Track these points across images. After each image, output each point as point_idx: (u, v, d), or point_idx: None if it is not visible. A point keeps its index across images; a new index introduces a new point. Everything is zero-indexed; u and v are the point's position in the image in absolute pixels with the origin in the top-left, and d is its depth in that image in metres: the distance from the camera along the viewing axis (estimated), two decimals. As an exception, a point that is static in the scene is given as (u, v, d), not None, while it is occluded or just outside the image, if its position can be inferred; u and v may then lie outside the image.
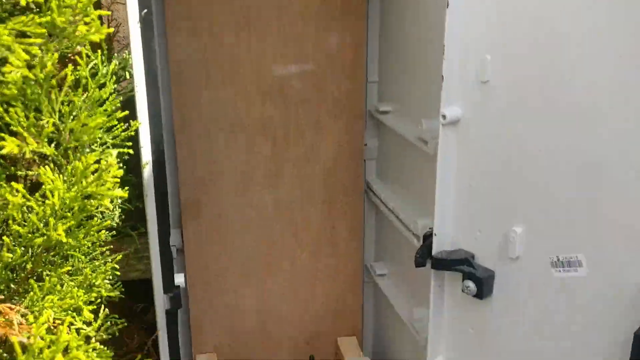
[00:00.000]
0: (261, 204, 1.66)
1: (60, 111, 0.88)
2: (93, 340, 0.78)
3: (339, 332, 1.82)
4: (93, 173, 0.83)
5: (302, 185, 1.69)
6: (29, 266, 0.85)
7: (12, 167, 0.88)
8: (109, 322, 0.85)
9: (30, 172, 0.91)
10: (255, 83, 1.58)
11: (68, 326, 0.77)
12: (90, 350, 0.75)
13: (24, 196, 0.82)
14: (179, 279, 1.20)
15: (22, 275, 0.85)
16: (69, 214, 0.82)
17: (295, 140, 1.65)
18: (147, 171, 1.11)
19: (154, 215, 1.13)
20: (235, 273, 1.69)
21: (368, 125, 1.72)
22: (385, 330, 1.80)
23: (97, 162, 0.82)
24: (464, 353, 1.39)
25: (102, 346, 0.80)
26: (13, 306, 0.72)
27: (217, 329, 1.71)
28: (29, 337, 0.71)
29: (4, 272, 0.82)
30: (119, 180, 0.83)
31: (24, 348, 0.71)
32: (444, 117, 1.26)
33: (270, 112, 1.61)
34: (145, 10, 1.04)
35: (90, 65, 0.94)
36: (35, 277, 0.86)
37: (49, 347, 0.72)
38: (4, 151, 0.78)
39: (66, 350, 0.74)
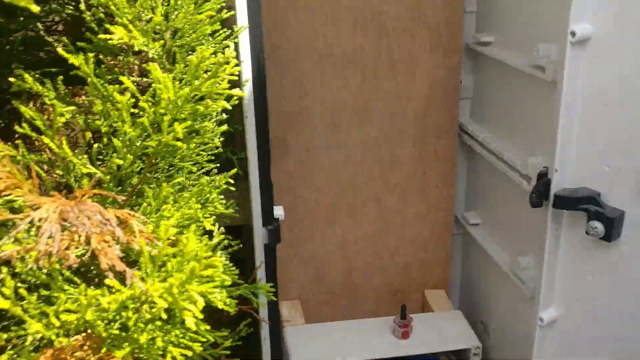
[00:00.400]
0: (349, 143, 1.56)
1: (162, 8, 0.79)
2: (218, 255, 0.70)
3: (426, 284, 1.71)
4: (206, 72, 0.74)
5: (392, 124, 1.57)
6: (134, 180, 0.78)
7: (116, 69, 0.79)
8: (226, 241, 0.76)
9: (135, 78, 0.82)
10: (346, 8, 1.46)
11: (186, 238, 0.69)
12: (217, 264, 0.66)
13: (133, 95, 0.73)
14: (278, 211, 1.12)
15: (130, 186, 0.78)
16: (180, 116, 0.73)
17: (386, 75, 1.53)
18: (247, 89, 1.01)
19: (254, 139, 1.04)
20: (322, 217, 1.60)
21: (464, 60, 1.58)
22: (478, 283, 1.69)
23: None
24: (579, 304, 1.26)
25: (228, 262, 0.71)
26: (133, 212, 0.64)
27: (301, 276, 1.63)
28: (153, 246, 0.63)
29: (112, 182, 0.74)
30: (237, 78, 0.74)
31: (150, 261, 0.63)
32: (572, 34, 1.11)
33: (360, 42, 1.49)
34: None
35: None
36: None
37: (174, 256, 0.64)
38: (114, 39, 0.70)
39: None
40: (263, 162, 1.07)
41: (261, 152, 1.06)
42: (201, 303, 0.63)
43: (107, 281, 0.61)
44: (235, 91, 0.73)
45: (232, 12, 0.85)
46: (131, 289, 0.63)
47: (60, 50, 0.68)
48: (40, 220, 0.59)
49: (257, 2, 0.98)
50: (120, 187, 0.78)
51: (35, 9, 0.56)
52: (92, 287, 0.68)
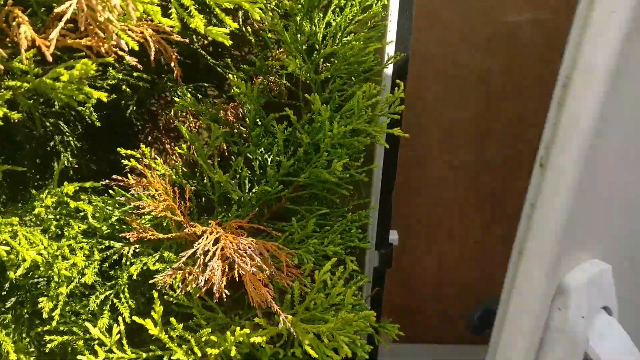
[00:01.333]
0: (464, 164, 1.51)
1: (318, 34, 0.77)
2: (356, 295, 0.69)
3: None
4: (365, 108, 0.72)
5: (513, 149, 1.51)
6: (275, 204, 0.77)
7: (272, 95, 0.79)
8: (357, 277, 0.75)
9: (285, 100, 0.81)
10: (478, 27, 1.40)
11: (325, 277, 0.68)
12: (357, 307, 0.65)
13: (290, 124, 0.72)
14: (393, 235, 1.09)
15: (267, 211, 0.77)
16: (337, 150, 0.71)
17: (512, 97, 1.46)
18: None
19: (381, 161, 1.02)
20: (421, 237, 1.57)
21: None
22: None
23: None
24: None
25: (365, 303, 0.70)
26: (282, 246, 0.63)
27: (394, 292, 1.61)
28: (303, 284, 0.63)
29: (256, 206, 0.74)
30: (398, 116, 0.71)
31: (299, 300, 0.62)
32: None
33: (489, 63, 1.43)
34: None
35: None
36: (277, 218, 0.78)
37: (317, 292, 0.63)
38: (289, 70, 0.69)
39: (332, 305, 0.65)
40: (386, 185, 1.04)
41: (385, 174, 1.03)
42: (346, 351, 0.62)
43: (257, 320, 0.61)
44: (397, 130, 0.71)
45: (392, 41, 0.82)
46: (276, 328, 0.63)
47: (230, 76, 0.68)
48: (202, 251, 0.59)
49: (408, 29, 0.95)
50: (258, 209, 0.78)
51: (228, 42, 0.56)
52: (232, 316, 0.68)
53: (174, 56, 0.57)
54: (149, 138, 0.86)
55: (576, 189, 0.66)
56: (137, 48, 0.54)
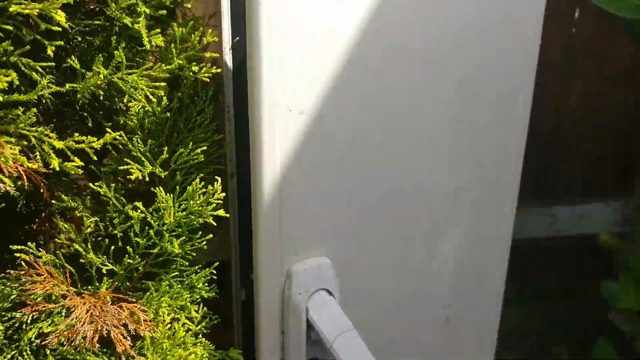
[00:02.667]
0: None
1: (167, 136, 1.05)
2: (199, 335, 0.97)
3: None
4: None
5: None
6: (141, 269, 1.04)
7: (130, 185, 1.06)
8: (207, 318, 1.04)
9: (143, 188, 1.09)
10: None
11: (178, 323, 0.96)
12: (198, 344, 0.93)
13: (142, 212, 1.00)
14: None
15: (136, 275, 1.04)
16: (178, 230, 1.00)
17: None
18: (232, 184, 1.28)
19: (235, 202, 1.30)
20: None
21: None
22: None
23: (203, 183, 1.00)
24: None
25: (205, 340, 0.98)
26: (137, 305, 0.91)
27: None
28: (154, 332, 0.90)
29: (124, 274, 1.01)
30: (221, 201, 1.00)
31: (151, 342, 0.90)
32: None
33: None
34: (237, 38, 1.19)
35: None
36: (145, 278, 1.05)
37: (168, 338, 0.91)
38: (133, 176, 0.96)
39: (180, 345, 0.93)
40: (243, 234, 1.33)
41: (240, 224, 1.32)
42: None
43: (122, 361, 0.88)
44: (220, 212, 1.00)
45: (221, 135, 1.11)
46: (138, 366, 0.90)
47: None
48: (77, 319, 0.86)
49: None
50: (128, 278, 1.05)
51: (80, 172, 0.82)
52: None
53: (43, 184, 0.84)
54: (42, 224, 1.11)
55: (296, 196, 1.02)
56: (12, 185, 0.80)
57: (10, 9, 0.74)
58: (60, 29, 0.79)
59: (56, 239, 1.01)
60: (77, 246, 0.96)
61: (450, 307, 1.40)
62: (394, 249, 1.26)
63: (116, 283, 0.99)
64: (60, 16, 0.76)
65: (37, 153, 0.83)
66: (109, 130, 0.92)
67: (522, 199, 2.20)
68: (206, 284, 1.06)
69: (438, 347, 1.42)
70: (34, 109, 0.84)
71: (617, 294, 1.81)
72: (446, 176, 1.27)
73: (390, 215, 1.23)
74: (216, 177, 0.99)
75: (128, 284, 1.03)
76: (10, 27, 0.77)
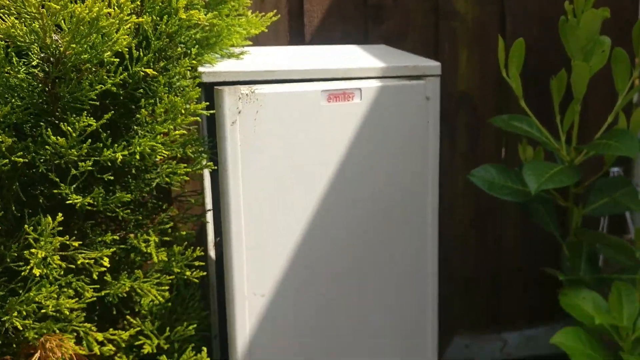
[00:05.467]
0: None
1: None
2: None
3: None
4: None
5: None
6: None
7: (141, 355, 1.55)
8: None
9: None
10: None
11: None
12: None
13: None
14: None
15: None
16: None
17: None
18: (216, 342, 1.76)
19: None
20: None
21: None
22: None
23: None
24: None
25: None
26: None
27: None
28: None
29: None
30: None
31: None
32: None
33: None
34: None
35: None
36: None
37: None
38: (145, 351, 1.45)
39: None
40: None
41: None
42: None
43: None
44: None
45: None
46: None
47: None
48: None
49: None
50: None
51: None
52: None
53: (87, 363, 1.33)
54: None
55: None
56: None
57: (79, 261, 1.28)
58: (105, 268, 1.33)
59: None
60: (105, 401, 1.44)
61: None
62: None
63: None
64: (105, 262, 1.30)
65: (84, 343, 1.33)
66: (132, 319, 1.43)
67: (475, 327, 2.65)
68: None
69: None
70: (83, 312, 1.36)
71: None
72: (376, 330, 1.73)
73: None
74: (202, 347, 1.48)
75: None
76: (72, 266, 1.31)
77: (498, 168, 2.00)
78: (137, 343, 1.48)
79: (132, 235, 1.44)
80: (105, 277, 1.41)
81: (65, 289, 1.32)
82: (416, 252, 1.78)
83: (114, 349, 1.35)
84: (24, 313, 1.24)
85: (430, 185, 1.76)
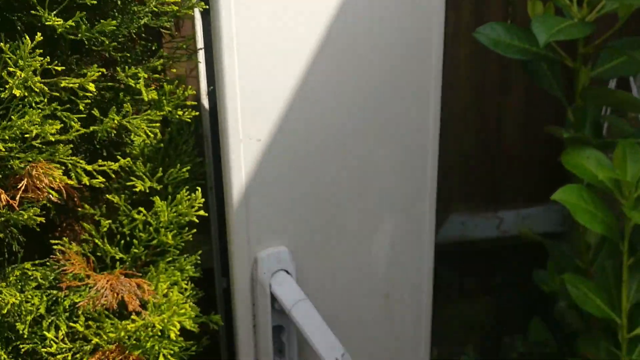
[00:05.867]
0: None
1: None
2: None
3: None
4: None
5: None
6: (143, 257, 1.49)
7: (134, 196, 1.51)
8: (194, 292, 1.48)
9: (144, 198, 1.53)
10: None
11: (172, 293, 1.40)
12: (187, 306, 1.37)
13: (144, 215, 1.45)
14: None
15: (139, 263, 1.49)
16: (171, 227, 1.44)
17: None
18: (212, 194, 1.73)
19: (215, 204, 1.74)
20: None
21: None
22: None
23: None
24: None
25: (194, 304, 1.42)
26: (145, 281, 1.35)
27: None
28: (154, 298, 1.34)
29: (131, 262, 1.46)
30: (202, 205, 1.45)
31: (153, 305, 1.34)
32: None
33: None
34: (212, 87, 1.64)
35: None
36: (147, 265, 1.49)
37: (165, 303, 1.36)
38: (137, 189, 1.41)
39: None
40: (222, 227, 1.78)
41: (219, 224, 1.76)
42: (178, 326, 1.34)
43: (133, 317, 1.32)
44: (201, 212, 1.45)
45: (201, 159, 1.56)
46: (143, 320, 1.34)
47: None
48: (100, 288, 1.30)
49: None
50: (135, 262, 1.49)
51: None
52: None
53: (76, 195, 1.28)
54: (68, 227, 1.56)
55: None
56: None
57: (62, 84, 1.20)
58: (91, 94, 1.25)
59: (81, 236, 1.45)
60: (96, 241, 1.41)
61: (388, 285, 1.82)
62: (337, 238, 1.69)
63: (125, 269, 1.43)
64: (91, 87, 1.22)
65: (73, 175, 1.28)
66: (119, 157, 1.37)
67: (472, 205, 2.64)
68: (193, 267, 1.50)
69: (379, 320, 1.85)
70: (70, 145, 1.30)
71: (545, 279, 2.23)
72: (372, 178, 1.69)
73: (333, 211, 1.66)
74: (197, 187, 1.44)
75: (134, 269, 1.47)
76: (57, 94, 1.23)
77: (505, 26, 1.90)
78: (128, 184, 1.43)
79: (119, 69, 1.35)
80: (93, 112, 1.35)
81: (51, 121, 1.25)
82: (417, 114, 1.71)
83: (103, 180, 1.30)
84: (7, 138, 1.18)
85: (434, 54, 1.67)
